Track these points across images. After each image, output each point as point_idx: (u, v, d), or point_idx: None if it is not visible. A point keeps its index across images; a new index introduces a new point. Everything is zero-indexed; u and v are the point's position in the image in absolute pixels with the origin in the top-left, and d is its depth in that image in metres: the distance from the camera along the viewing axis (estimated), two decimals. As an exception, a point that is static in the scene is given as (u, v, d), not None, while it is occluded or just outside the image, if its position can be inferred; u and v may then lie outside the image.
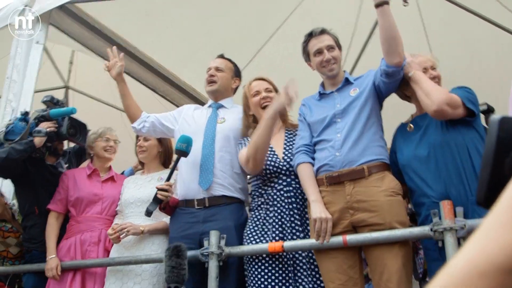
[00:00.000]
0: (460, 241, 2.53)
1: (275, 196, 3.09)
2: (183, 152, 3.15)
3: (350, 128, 2.89)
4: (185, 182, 3.37)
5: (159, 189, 3.16)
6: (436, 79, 2.95)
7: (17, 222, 3.91)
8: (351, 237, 2.74)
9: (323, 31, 3.12)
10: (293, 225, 3.00)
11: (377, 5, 2.73)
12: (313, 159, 3.00)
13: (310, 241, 2.86)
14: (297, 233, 2.99)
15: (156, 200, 3.15)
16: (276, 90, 3.35)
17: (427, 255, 2.84)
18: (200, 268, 3.04)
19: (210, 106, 3.64)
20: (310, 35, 3.14)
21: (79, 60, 6.85)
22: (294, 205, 3.03)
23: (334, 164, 2.85)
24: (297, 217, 3.01)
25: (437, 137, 2.78)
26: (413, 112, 3.08)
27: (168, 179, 3.21)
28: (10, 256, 3.83)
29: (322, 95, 3.16)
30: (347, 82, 3.10)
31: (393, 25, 2.72)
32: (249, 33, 5.88)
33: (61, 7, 4.62)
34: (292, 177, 3.10)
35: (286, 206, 3.03)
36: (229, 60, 3.72)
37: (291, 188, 3.07)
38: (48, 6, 4.52)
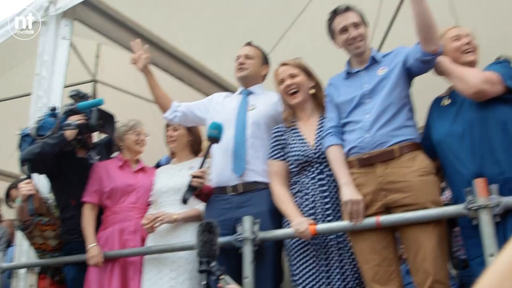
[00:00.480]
0: (495, 218, 2.51)
1: (308, 184, 3.08)
2: (215, 139, 3.16)
3: (379, 109, 2.85)
4: (218, 170, 3.40)
5: (193, 176, 3.18)
6: (472, 46, 2.87)
7: (53, 215, 3.99)
8: (384, 218, 2.74)
9: (347, 8, 3.05)
10: (327, 212, 3.00)
11: None
12: (343, 140, 2.98)
13: (343, 223, 2.86)
14: (329, 219, 2.99)
15: (191, 188, 3.17)
16: (304, 71, 3.27)
17: (463, 233, 2.82)
18: (235, 254, 3.06)
19: (240, 93, 3.66)
20: (335, 13, 3.08)
21: (105, 53, 6.90)
22: (327, 193, 3.02)
23: (364, 146, 2.83)
24: (329, 204, 3.01)
25: (474, 114, 2.72)
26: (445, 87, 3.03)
27: (201, 166, 3.23)
28: (49, 249, 3.92)
29: (349, 74, 3.10)
30: (374, 60, 3.03)
31: (427, 11, 2.63)
32: (273, 18, 5.83)
33: (85, 2, 4.66)
34: (325, 164, 3.07)
35: (320, 194, 3.03)
36: (258, 47, 3.72)
37: (323, 176, 3.06)
38: (72, 2, 4.56)
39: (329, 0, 5.64)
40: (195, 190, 3.20)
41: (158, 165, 4.32)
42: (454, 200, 2.78)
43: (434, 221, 2.66)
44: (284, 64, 3.31)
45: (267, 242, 3.12)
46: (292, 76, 3.24)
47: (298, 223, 2.91)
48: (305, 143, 3.15)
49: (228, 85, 6.20)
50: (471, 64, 2.86)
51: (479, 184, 2.56)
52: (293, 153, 3.16)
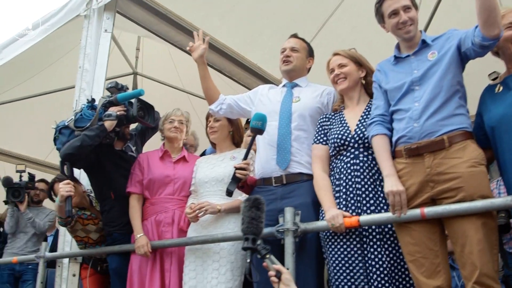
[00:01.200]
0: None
1: (342, 169, 3.06)
2: (259, 130, 3.15)
3: (429, 97, 2.76)
4: (262, 161, 3.40)
5: (237, 168, 3.18)
6: None
7: (95, 209, 4.05)
8: (429, 210, 2.66)
9: None
10: (359, 198, 2.95)
11: None
12: (390, 129, 2.91)
13: (387, 215, 2.80)
14: (364, 207, 2.93)
15: (235, 179, 3.17)
16: (354, 61, 3.25)
17: None
18: (278, 246, 3.04)
19: (284, 85, 3.64)
20: None
21: (145, 46, 6.97)
22: (360, 178, 2.97)
23: (412, 136, 2.76)
24: (362, 190, 2.95)
25: None
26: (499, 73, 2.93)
27: (245, 157, 3.22)
28: (91, 242, 4.00)
29: (397, 59, 3.01)
30: (424, 44, 2.92)
31: (496, 3, 2.52)
32: (311, 9, 5.79)
33: (126, -5, 4.71)
34: (361, 149, 3.04)
35: (353, 180, 2.99)
36: (303, 39, 3.70)
37: (357, 161, 3.01)
38: (114, -5, 4.61)
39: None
40: (239, 182, 3.20)
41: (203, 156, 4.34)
42: (508, 190, 2.68)
43: (482, 213, 2.56)
44: (335, 54, 3.32)
45: (310, 233, 3.10)
46: (341, 66, 3.24)
47: (332, 217, 2.88)
48: (347, 127, 3.13)
49: (268, 76, 6.20)
50: None
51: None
52: (332, 136, 3.16)
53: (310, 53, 3.69)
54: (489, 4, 2.53)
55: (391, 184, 2.74)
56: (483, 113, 2.86)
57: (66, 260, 4.31)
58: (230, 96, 3.77)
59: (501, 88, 2.80)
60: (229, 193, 3.17)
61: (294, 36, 3.70)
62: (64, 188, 3.59)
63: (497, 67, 2.98)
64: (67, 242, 4.29)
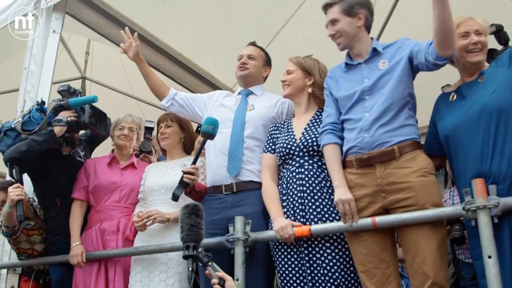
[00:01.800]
0: (493, 219, 2.45)
1: (288, 178, 3.05)
2: (210, 135, 3.09)
3: (379, 108, 2.77)
4: (213, 169, 3.37)
5: (185, 173, 3.12)
6: (479, 45, 2.78)
7: (39, 218, 3.86)
8: (381, 219, 2.69)
9: (327, 5, 2.99)
10: (304, 207, 2.94)
11: None
12: (341, 138, 2.91)
13: (338, 224, 2.81)
14: (311, 216, 2.91)
15: (182, 184, 3.11)
16: (303, 68, 3.23)
17: (468, 232, 2.76)
18: (228, 255, 3.00)
19: (239, 93, 3.62)
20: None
21: (95, 50, 6.82)
22: (306, 187, 2.96)
23: (363, 146, 2.77)
24: (309, 198, 2.93)
25: (485, 105, 2.65)
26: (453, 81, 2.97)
27: (194, 162, 3.16)
28: (35, 254, 3.80)
29: (348, 66, 3.02)
30: (375, 52, 2.94)
31: (450, 15, 2.55)
32: (265, 18, 5.81)
33: (77, -5, 4.58)
34: (306, 157, 3.03)
35: (298, 188, 2.97)
36: (261, 48, 3.70)
37: (302, 170, 3.01)
38: (63, -5, 4.47)
39: (322, 1, 5.68)
40: (186, 187, 3.14)
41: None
42: (461, 199, 2.69)
43: (434, 222, 2.60)
44: (289, 60, 3.33)
45: (260, 242, 3.05)
46: (288, 72, 3.25)
47: (281, 228, 2.87)
48: (292, 135, 3.12)
49: (220, 84, 6.15)
50: (477, 64, 2.79)
51: (477, 184, 2.52)
52: (278, 145, 3.15)
53: (267, 62, 3.68)
54: (446, 27, 2.56)
55: (340, 193, 2.75)
56: (437, 122, 2.89)
57: (4, 271, 4.09)
58: (182, 93, 3.72)
59: (455, 97, 2.83)
60: (175, 198, 3.10)
61: (252, 44, 3.70)
62: (14, 192, 3.40)
63: (449, 75, 3.04)
64: (5, 252, 4.08)
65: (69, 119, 3.62)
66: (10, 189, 3.45)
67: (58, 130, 3.57)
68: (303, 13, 5.87)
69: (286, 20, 5.96)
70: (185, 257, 2.33)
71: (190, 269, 2.34)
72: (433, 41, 2.63)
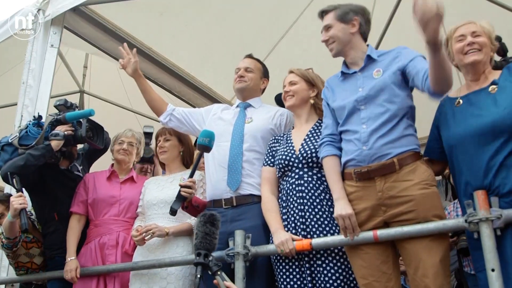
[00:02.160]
0: (496, 232, 2.43)
1: (288, 190, 3.04)
2: (206, 147, 3.03)
3: (375, 119, 2.75)
4: (213, 182, 3.35)
5: (182, 186, 3.09)
6: (475, 45, 2.71)
7: (38, 232, 3.83)
8: (382, 232, 2.67)
9: (323, 12, 3.01)
10: (304, 220, 2.92)
11: (433, 45, 2.38)
12: (340, 149, 2.89)
13: (339, 238, 2.79)
14: (312, 228, 2.89)
15: (180, 198, 3.06)
16: (306, 79, 3.25)
17: (470, 244, 2.72)
18: (228, 270, 2.94)
19: (238, 106, 3.61)
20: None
21: (93, 64, 6.83)
22: (306, 199, 2.94)
23: (362, 159, 2.74)
24: (310, 211, 2.91)
25: (496, 121, 2.57)
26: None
27: (191, 175, 3.13)
28: (34, 267, 3.76)
29: (345, 75, 3.01)
30: (370, 59, 2.92)
31: (445, 58, 2.47)
32: (263, 31, 5.83)
33: (75, 10, 4.57)
34: (305, 169, 3.02)
35: (298, 201, 2.96)
36: (258, 60, 3.70)
37: (302, 182, 2.99)
38: (61, 9, 4.46)
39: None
40: (184, 201, 3.10)
41: None
42: (463, 211, 2.67)
43: (436, 235, 2.58)
44: (290, 72, 3.33)
45: (260, 257, 3.03)
46: (292, 83, 3.25)
47: (281, 242, 2.85)
48: (292, 147, 3.11)
49: (218, 97, 6.16)
50: (474, 65, 2.73)
51: (479, 196, 2.50)
52: (277, 157, 3.14)
53: (265, 74, 3.68)
54: (444, 75, 2.51)
55: (340, 208, 2.73)
56: (442, 127, 2.82)
57: (1, 287, 4.05)
58: (180, 108, 3.72)
59: (461, 102, 2.74)
60: (173, 212, 3.05)
61: (249, 56, 3.70)
62: (17, 200, 3.36)
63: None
64: (3, 267, 4.04)
65: (66, 133, 3.62)
66: (12, 198, 3.42)
67: (55, 144, 3.56)
68: (301, 25, 5.89)
69: (284, 32, 5.98)
70: (196, 264, 2.37)
71: (199, 276, 2.36)
72: (429, 79, 2.57)
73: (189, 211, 3.28)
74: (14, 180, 3.40)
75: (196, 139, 3.76)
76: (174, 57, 5.62)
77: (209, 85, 6.14)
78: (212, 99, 6.12)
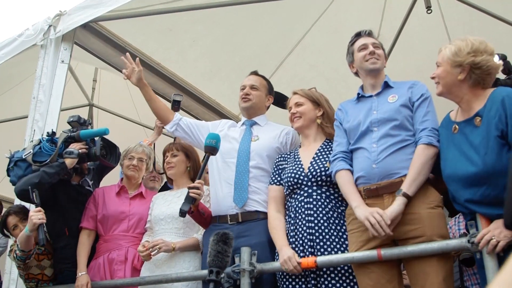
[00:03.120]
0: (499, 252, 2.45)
1: (296, 208, 3.05)
2: (213, 148, 3.09)
3: (387, 140, 2.81)
4: (219, 198, 3.37)
5: (190, 188, 3.09)
6: (436, 80, 2.73)
7: (49, 244, 3.85)
8: (386, 251, 2.69)
9: (370, 33, 3.15)
10: (313, 237, 2.93)
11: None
12: (352, 165, 2.93)
13: (344, 256, 2.81)
14: (319, 247, 2.91)
15: (188, 199, 3.06)
16: (311, 100, 3.30)
17: (477, 261, 2.71)
18: (233, 286, 2.96)
19: (243, 123, 3.63)
20: (358, 35, 3.16)
21: (103, 78, 6.89)
22: (314, 217, 2.96)
23: (371, 177, 2.79)
24: (316, 228, 2.93)
25: (478, 168, 2.53)
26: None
27: (200, 177, 3.14)
28: (45, 279, 3.77)
29: (360, 98, 3.09)
30: (386, 86, 3.03)
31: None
32: (271, 46, 5.88)
33: (85, 26, 4.63)
34: (314, 187, 3.04)
35: (307, 219, 2.97)
36: (263, 77, 3.72)
37: (311, 200, 3.01)
38: (72, 25, 4.52)
39: (327, 29, 5.77)
40: (193, 203, 3.11)
41: (165, 186, 4.25)
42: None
43: (441, 254, 2.60)
44: (294, 93, 3.37)
45: (266, 274, 3.06)
46: (298, 104, 3.28)
47: (284, 261, 2.87)
48: (300, 165, 3.14)
49: (226, 112, 6.20)
50: (440, 96, 2.78)
51: (481, 217, 2.52)
52: (286, 175, 3.16)
53: (270, 91, 3.71)
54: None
55: (364, 211, 2.69)
56: (440, 154, 2.79)
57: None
58: (187, 119, 3.72)
59: (457, 129, 2.73)
60: (182, 214, 3.05)
61: (255, 73, 3.71)
62: (36, 215, 3.36)
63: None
64: (12, 280, 4.05)
65: (80, 151, 3.63)
66: (31, 212, 3.42)
67: (70, 162, 3.59)
68: (309, 41, 5.93)
69: (292, 48, 6.02)
70: (208, 281, 2.44)
71: None
72: None
73: (195, 217, 3.31)
74: (34, 194, 3.42)
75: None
76: (182, 72, 5.67)
77: (217, 100, 6.19)
78: (220, 113, 6.17)
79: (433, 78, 2.76)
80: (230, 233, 2.49)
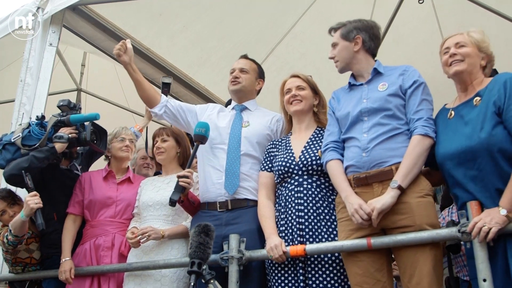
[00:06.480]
0: (489, 242, 2.45)
1: (286, 197, 3.05)
2: (202, 136, 3.08)
3: (377, 129, 2.80)
4: (208, 185, 3.33)
5: (180, 176, 3.07)
6: (458, 56, 2.75)
7: (34, 227, 3.82)
8: (376, 240, 2.69)
9: (331, 30, 3.16)
10: (302, 227, 2.93)
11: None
12: (343, 155, 2.93)
13: (333, 244, 2.81)
14: (308, 236, 2.91)
15: (178, 188, 3.05)
16: (312, 87, 3.28)
17: (466, 252, 2.73)
18: (221, 273, 2.96)
19: (233, 108, 3.59)
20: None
21: (91, 62, 6.83)
22: (304, 206, 2.95)
23: (361, 166, 2.79)
24: (305, 217, 2.93)
25: (477, 145, 2.57)
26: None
27: (189, 166, 3.13)
28: (33, 262, 3.74)
29: (352, 86, 3.08)
30: (376, 73, 3.00)
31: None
32: (261, 34, 5.86)
33: (74, 9, 4.57)
34: (305, 176, 3.04)
35: (296, 207, 2.97)
36: (253, 61, 3.66)
37: (301, 189, 3.01)
38: (60, 6, 4.45)
39: (318, 18, 5.74)
40: (183, 191, 3.09)
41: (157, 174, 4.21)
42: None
43: (431, 243, 2.59)
44: (294, 76, 3.32)
45: (255, 261, 3.04)
46: (299, 88, 3.25)
47: (271, 248, 2.87)
48: (291, 154, 3.12)
49: (215, 98, 6.16)
50: (456, 75, 2.77)
51: (472, 207, 2.52)
52: (277, 163, 3.14)
53: (261, 75, 3.66)
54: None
55: (353, 202, 2.70)
56: (436, 141, 2.80)
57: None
58: (175, 101, 3.65)
59: (453, 114, 2.77)
60: (172, 203, 3.03)
61: (244, 57, 3.67)
62: (32, 200, 3.32)
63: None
64: (-2, 265, 4.04)
65: (70, 136, 3.59)
66: (27, 197, 3.37)
67: (59, 147, 3.55)
68: (299, 29, 5.91)
69: (282, 36, 6.00)
70: (189, 273, 2.42)
71: (192, 284, 2.41)
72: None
73: (185, 206, 3.29)
74: (27, 178, 3.37)
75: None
76: (172, 58, 5.63)
77: (206, 86, 6.16)
78: (209, 100, 6.13)
79: (454, 54, 2.76)
80: (211, 225, 2.47)
